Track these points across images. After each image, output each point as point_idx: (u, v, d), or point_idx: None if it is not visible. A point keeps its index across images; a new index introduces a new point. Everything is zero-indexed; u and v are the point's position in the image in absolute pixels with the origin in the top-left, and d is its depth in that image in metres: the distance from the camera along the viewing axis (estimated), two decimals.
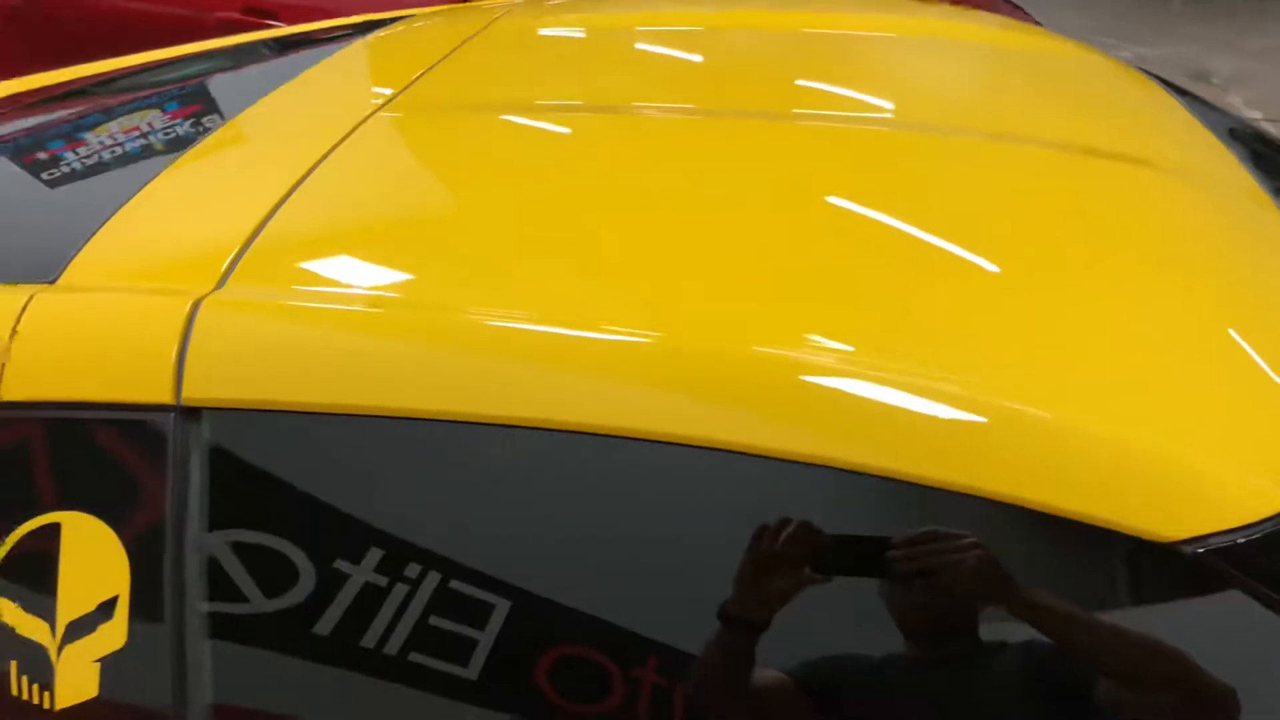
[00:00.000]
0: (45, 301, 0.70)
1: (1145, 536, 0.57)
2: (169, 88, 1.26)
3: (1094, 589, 0.62)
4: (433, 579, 0.63)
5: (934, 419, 0.60)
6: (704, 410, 0.61)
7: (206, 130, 1.01)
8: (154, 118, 1.09)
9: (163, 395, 0.65)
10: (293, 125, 1.03)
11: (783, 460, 0.60)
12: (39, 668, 0.65)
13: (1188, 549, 0.57)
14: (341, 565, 0.64)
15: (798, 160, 0.89)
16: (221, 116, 1.07)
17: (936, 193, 0.84)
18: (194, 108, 1.13)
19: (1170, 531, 0.57)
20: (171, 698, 0.64)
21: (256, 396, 0.65)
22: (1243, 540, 0.57)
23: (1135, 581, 0.61)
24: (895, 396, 0.61)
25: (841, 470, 0.59)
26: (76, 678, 0.65)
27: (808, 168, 0.88)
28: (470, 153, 0.94)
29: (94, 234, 0.77)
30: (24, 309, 0.70)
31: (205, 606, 0.64)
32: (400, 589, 0.63)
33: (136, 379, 0.66)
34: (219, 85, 1.28)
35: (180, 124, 1.06)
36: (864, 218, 0.81)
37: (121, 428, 0.66)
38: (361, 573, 0.63)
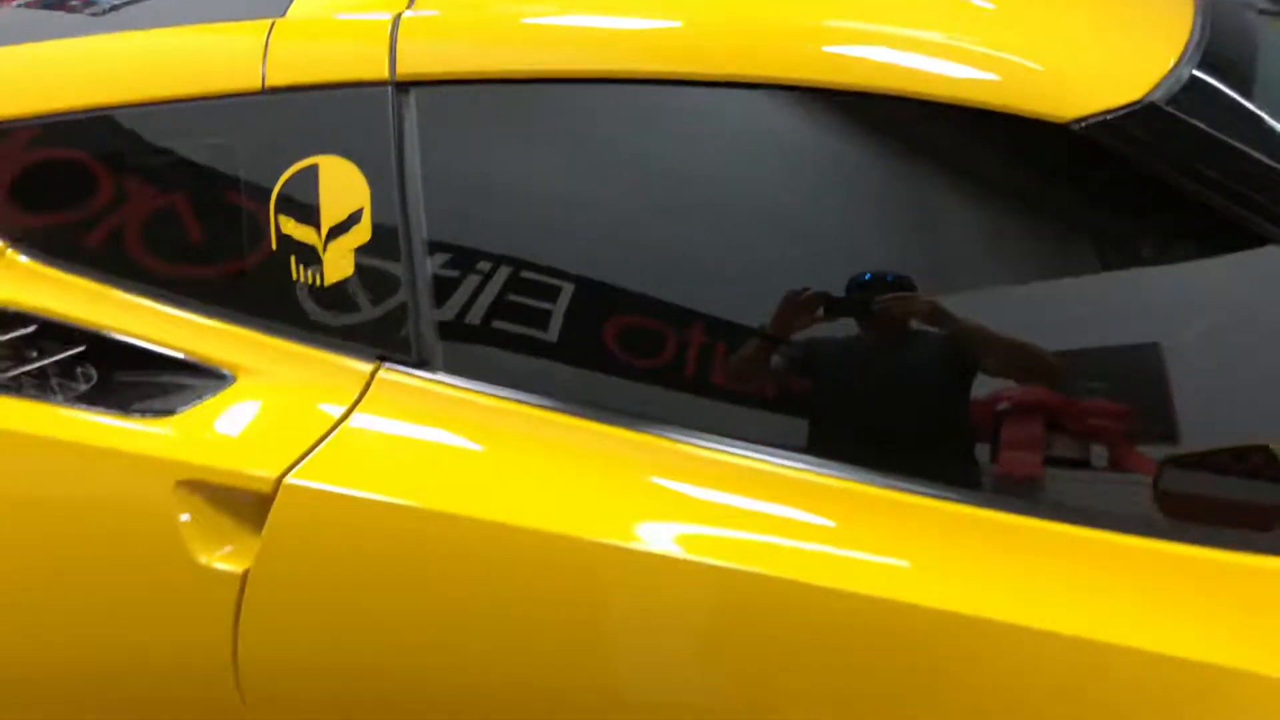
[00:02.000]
0: (283, 27, 1.02)
1: (1042, 119, 0.87)
2: None
3: (1003, 171, 0.92)
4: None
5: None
6: None
7: None
8: None
9: (383, 73, 0.97)
10: None
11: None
12: (311, 259, 0.98)
13: (1076, 127, 0.87)
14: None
15: None
16: None
17: None
18: None
19: (1062, 113, 0.87)
20: (403, 269, 0.96)
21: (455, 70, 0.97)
22: (1117, 118, 0.87)
23: (1036, 161, 0.91)
24: None
25: None
26: (338, 264, 0.97)
27: None
28: None
29: None
30: (269, 32, 1.01)
31: (421, 212, 0.97)
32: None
33: (360, 63, 0.98)
34: None
35: None
36: None
37: (356, 97, 0.98)
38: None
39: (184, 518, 0.89)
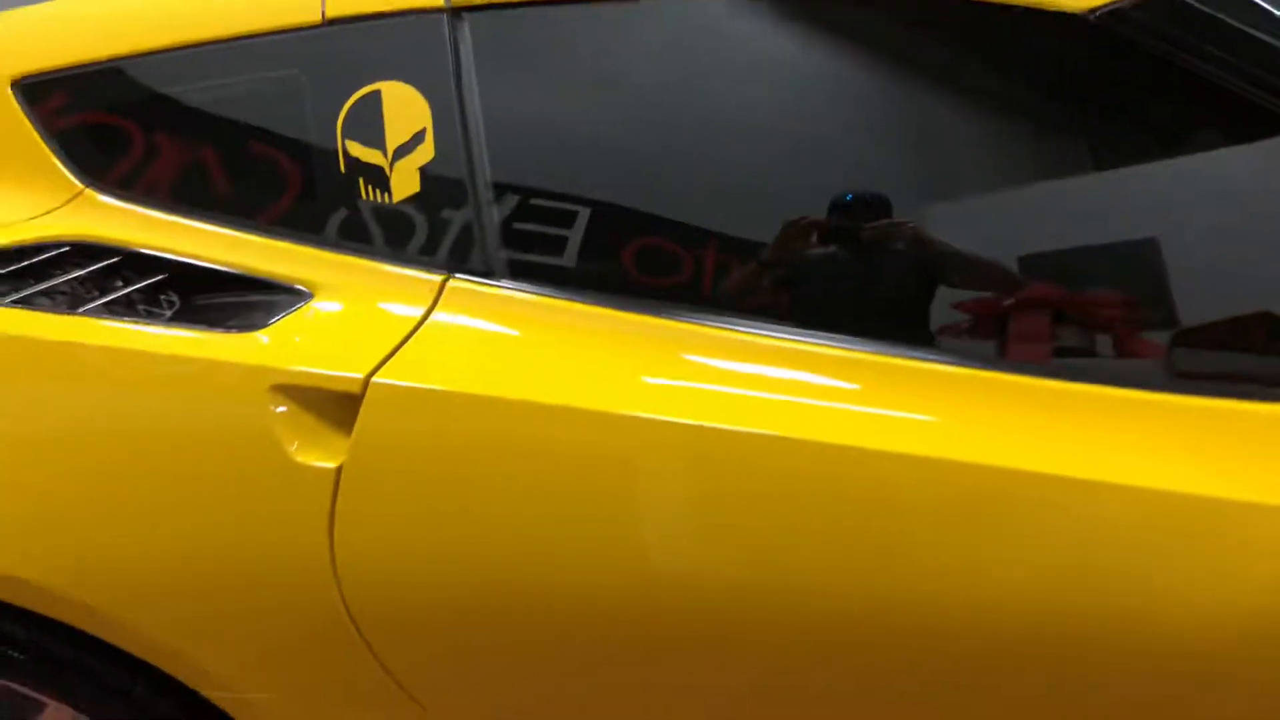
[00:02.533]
0: None
1: (1060, 9, 0.93)
2: None
3: (1020, 65, 0.99)
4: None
5: None
6: None
7: None
8: None
9: (438, 0, 1.03)
10: None
11: None
12: (378, 180, 1.04)
13: (1093, 16, 0.93)
14: None
15: None
16: None
17: None
18: None
19: (1079, 3, 0.93)
20: (466, 185, 1.03)
21: None
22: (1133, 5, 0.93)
23: (1057, 53, 0.98)
24: None
25: None
26: (404, 182, 1.04)
27: None
28: None
29: None
30: None
31: (481, 131, 1.03)
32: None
33: None
34: None
35: None
36: None
37: (414, 24, 1.04)
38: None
39: (278, 420, 0.96)
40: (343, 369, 0.96)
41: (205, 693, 1.06)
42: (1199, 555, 0.91)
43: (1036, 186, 1.04)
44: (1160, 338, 0.98)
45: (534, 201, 1.04)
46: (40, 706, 1.12)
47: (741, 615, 0.98)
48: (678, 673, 1.05)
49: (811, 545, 0.94)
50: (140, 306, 1.07)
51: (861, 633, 0.96)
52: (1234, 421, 0.92)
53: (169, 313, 1.06)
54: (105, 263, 1.07)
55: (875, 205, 1.00)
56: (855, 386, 0.96)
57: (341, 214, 1.04)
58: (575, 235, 1.03)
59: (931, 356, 0.96)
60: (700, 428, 0.94)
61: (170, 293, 1.08)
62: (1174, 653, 0.91)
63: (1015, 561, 0.93)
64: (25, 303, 1.03)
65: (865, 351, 0.97)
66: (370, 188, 1.04)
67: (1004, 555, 0.93)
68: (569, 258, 1.03)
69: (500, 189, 1.03)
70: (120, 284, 1.08)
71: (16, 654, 1.06)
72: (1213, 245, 1.00)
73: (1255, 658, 0.91)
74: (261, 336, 0.99)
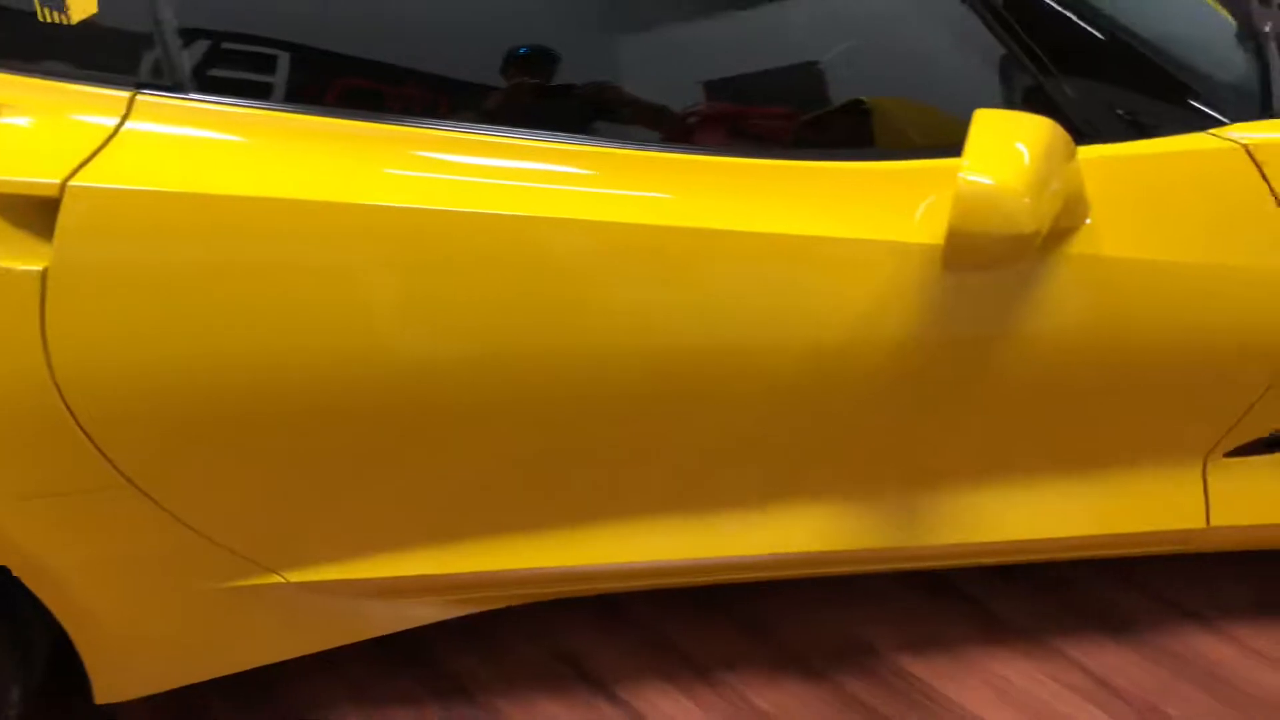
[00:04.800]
0: None
1: None
2: None
3: None
4: None
5: None
6: None
7: None
8: None
9: None
10: None
11: None
12: (55, 1, 1.08)
13: None
14: None
15: None
16: None
17: None
18: None
19: None
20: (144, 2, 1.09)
21: None
22: None
23: None
24: None
25: None
26: (81, 3, 1.08)
27: None
28: None
29: None
30: None
31: None
32: None
33: None
34: None
35: None
36: None
37: None
38: None
39: None
40: (38, 175, 1.01)
41: None
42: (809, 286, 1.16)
43: None
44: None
45: (218, 16, 1.11)
46: None
47: (463, 392, 1.14)
48: (417, 457, 1.20)
49: (520, 311, 1.11)
50: None
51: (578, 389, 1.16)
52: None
53: None
54: None
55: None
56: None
57: (22, 36, 1.07)
58: (260, 51, 1.12)
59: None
60: (402, 209, 1.07)
61: None
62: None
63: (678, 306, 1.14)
64: None
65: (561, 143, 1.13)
66: (47, 9, 1.08)
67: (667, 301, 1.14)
68: (252, 72, 1.12)
69: (183, 8, 1.09)
70: None
71: None
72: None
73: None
74: None
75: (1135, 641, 1.63)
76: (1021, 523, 1.43)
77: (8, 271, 1.00)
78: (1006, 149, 0.99)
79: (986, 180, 0.97)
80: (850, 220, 1.16)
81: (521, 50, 1.17)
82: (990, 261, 1.07)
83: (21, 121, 1.05)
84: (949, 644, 1.62)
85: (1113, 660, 1.60)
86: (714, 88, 1.25)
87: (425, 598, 1.42)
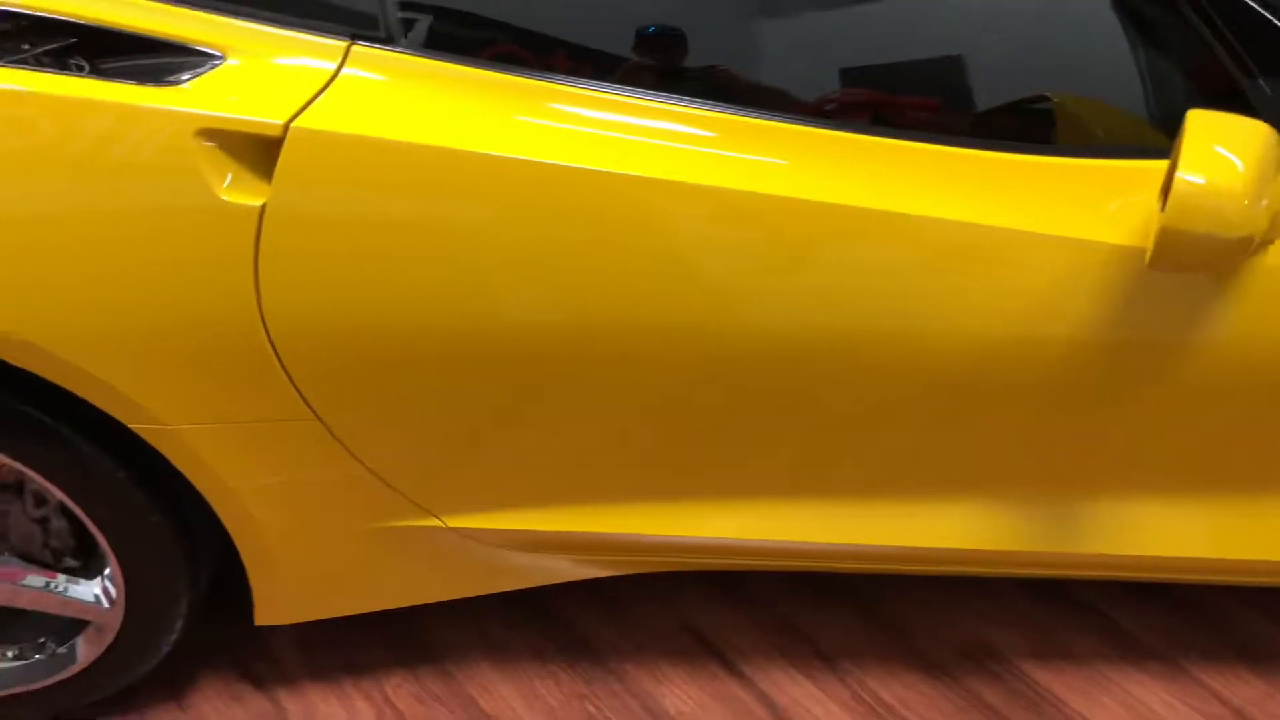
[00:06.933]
0: None
1: None
2: None
3: None
4: None
5: None
6: None
7: None
8: None
9: None
10: None
11: None
12: None
13: None
14: None
15: None
16: None
17: None
18: None
19: None
20: None
21: None
22: None
23: None
24: None
25: None
26: None
27: None
28: None
29: None
30: None
31: None
32: None
33: None
34: None
35: None
36: None
37: None
38: None
39: (205, 160, 1.05)
40: (264, 115, 1.06)
41: (133, 426, 1.16)
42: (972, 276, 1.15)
43: None
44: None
45: None
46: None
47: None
48: (555, 415, 1.23)
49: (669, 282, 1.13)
50: (49, 71, 1.12)
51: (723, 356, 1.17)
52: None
53: (78, 76, 1.12)
54: (3, 26, 1.12)
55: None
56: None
57: None
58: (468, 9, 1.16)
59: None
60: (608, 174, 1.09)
61: (78, 57, 1.13)
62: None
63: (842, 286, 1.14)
64: None
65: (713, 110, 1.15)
66: None
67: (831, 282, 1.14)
68: (461, 29, 1.16)
69: None
70: (27, 46, 1.13)
71: None
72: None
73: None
74: (183, 90, 1.08)
75: (1276, 677, 1.58)
76: (1168, 539, 1.39)
77: (229, 205, 1.06)
78: (1224, 151, 0.97)
79: (1204, 180, 0.96)
80: (1025, 213, 1.15)
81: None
82: (1198, 264, 1.05)
83: (246, 66, 1.11)
84: (1079, 657, 1.60)
85: (1249, 693, 1.55)
86: (894, 72, 1.25)
87: (562, 554, 1.45)
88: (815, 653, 1.59)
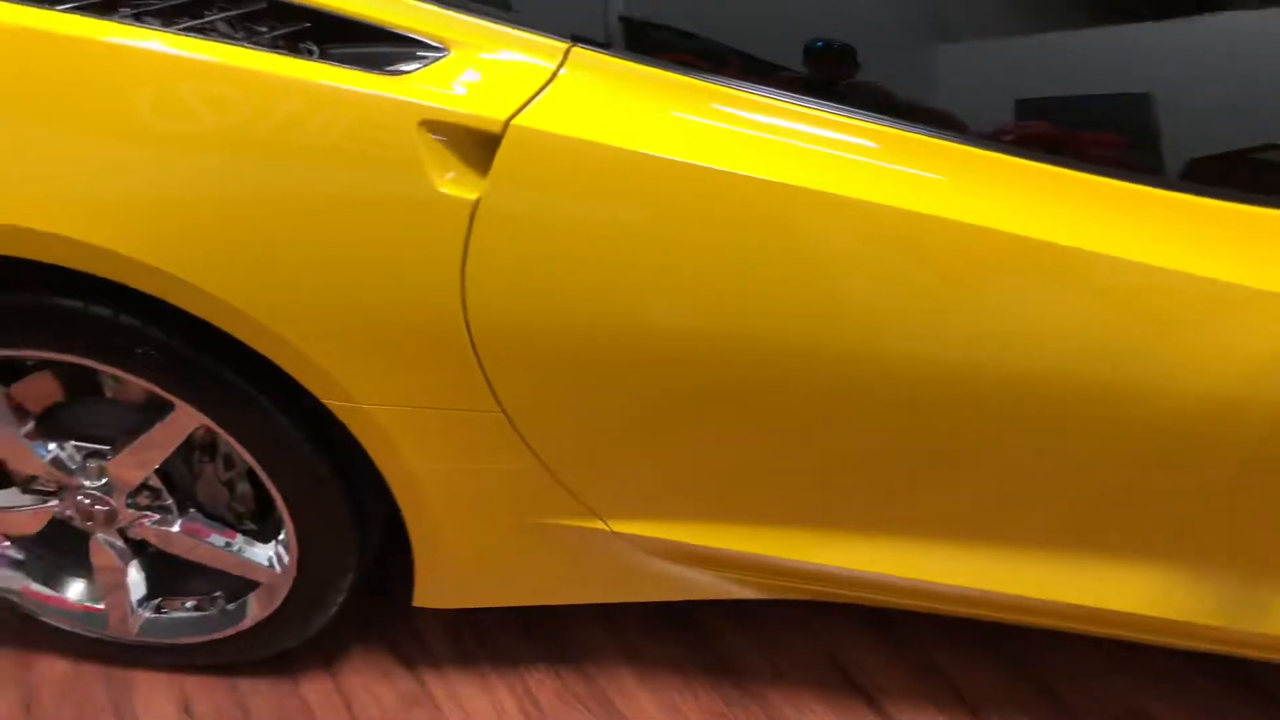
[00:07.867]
0: None
1: None
2: None
3: None
4: None
5: None
6: None
7: None
8: None
9: None
10: None
11: None
12: None
13: None
14: None
15: None
16: None
17: None
18: None
19: None
20: None
21: None
22: None
23: None
24: None
25: None
26: None
27: None
28: None
29: None
30: None
31: None
32: None
33: None
34: None
35: None
36: None
37: None
38: None
39: (425, 151, 1.07)
40: (485, 111, 1.08)
41: (326, 401, 1.19)
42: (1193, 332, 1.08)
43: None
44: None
45: None
46: (169, 407, 1.26)
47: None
48: (711, 431, 1.21)
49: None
50: (285, 54, 1.16)
51: (899, 386, 1.13)
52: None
53: (308, 60, 1.16)
54: (249, 9, 1.17)
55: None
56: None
57: None
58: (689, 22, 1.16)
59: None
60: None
61: (309, 42, 1.17)
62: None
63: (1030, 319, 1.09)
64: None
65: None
66: None
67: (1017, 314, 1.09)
68: (683, 37, 1.15)
69: None
70: (264, 30, 1.18)
71: (156, 354, 1.19)
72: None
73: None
74: (406, 80, 1.10)
75: None
76: None
77: (445, 198, 1.08)
78: None
79: None
80: (1247, 268, 1.08)
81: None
82: None
83: (467, 58, 1.13)
84: None
85: None
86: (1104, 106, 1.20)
87: (715, 570, 1.44)
88: (960, 700, 1.54)
